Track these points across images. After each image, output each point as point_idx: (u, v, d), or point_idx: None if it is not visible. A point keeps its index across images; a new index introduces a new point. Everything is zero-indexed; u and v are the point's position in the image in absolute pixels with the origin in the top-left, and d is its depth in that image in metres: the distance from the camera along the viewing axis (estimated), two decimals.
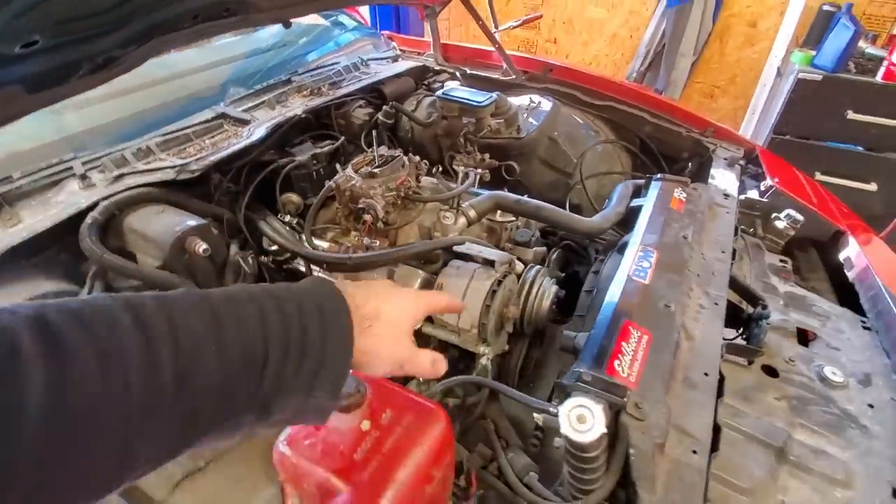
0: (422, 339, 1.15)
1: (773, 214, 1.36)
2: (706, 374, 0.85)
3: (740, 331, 1.07)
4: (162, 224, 1.00)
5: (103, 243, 1.00)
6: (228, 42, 1.99)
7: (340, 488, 0.61)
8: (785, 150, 2.66)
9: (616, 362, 0.79)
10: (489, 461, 0.99)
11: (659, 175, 1.38)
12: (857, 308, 1.15)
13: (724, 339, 1.00)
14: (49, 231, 0.95)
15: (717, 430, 0.77)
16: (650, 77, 3.26)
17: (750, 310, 1.06)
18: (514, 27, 1.99)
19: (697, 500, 0.67)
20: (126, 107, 1.37)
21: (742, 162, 1.59)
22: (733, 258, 1.18)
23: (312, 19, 2.23)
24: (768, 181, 1.43)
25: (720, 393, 0.83)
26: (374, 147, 1.28)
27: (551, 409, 0.75)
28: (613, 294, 0.96)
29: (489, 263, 1.06)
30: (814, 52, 2.58)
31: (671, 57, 3.01)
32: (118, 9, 0.71)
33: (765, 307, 1.01)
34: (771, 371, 0.95)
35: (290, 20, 1.17)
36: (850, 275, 1.22)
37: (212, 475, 0.66)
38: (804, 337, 1.06)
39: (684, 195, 1.29)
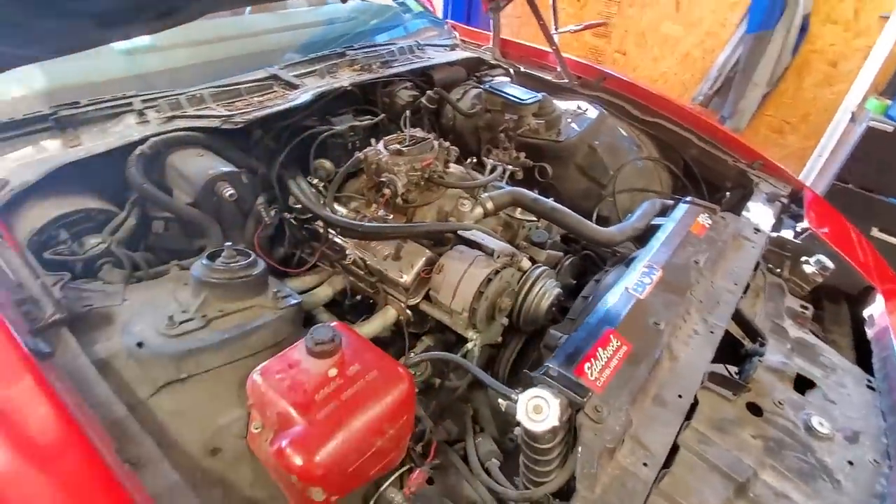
0: (418, 314, 1.19)
1: (803, 258, 1.30)
2: (679, 396, 0.84)
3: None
4: (198, 166, 1.10)
5: (148, 176, 1.10)
6: (300, 11, 2.10)
7: (297, 421, 0.66)
8: (845, 199, 2.50)
9: (587, 365, 0.80)
10: (456, 441, 1.03)
11: (689, 198, 1.36)
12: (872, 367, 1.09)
13: (724, 369, 0.98)
14: (103, 155, 1.06)
15: (674, 449, 0.77)
16: (717, 102, 3.12)
17: (750, 346, 1.03)
18: (576, 31, 1.98)
19: None
20: (194, 56, 1.49)
21: (784, 200, 1.52)
22: (745, 292, 1.15)
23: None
24: (804, 223, 1.36)
25: (689, 416, 0.83)
26: (407, 127, 1.33)
27: (513, 395, 0.77)
28: (605, 302, 0.96)
29: (491, 253, 1.08)
30: (889, 102, 2.39)
31: (742, 85, 2.87)
32: None
33: (762, 345, 0.98)
34: (755, 409, 0.93)
35: None
36: (870, 332, 1.15)
37: (191, 387, 0.73)
38: (804, 385, 1.02)
39: (709, 221, 1.26)
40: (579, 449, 0.71)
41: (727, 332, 1.07)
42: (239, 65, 1.50)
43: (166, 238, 1.11)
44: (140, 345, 0.75)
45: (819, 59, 2.84)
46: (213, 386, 0.74)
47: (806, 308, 1.25)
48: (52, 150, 1.08)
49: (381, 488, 0.80)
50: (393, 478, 0.82)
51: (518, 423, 0.74)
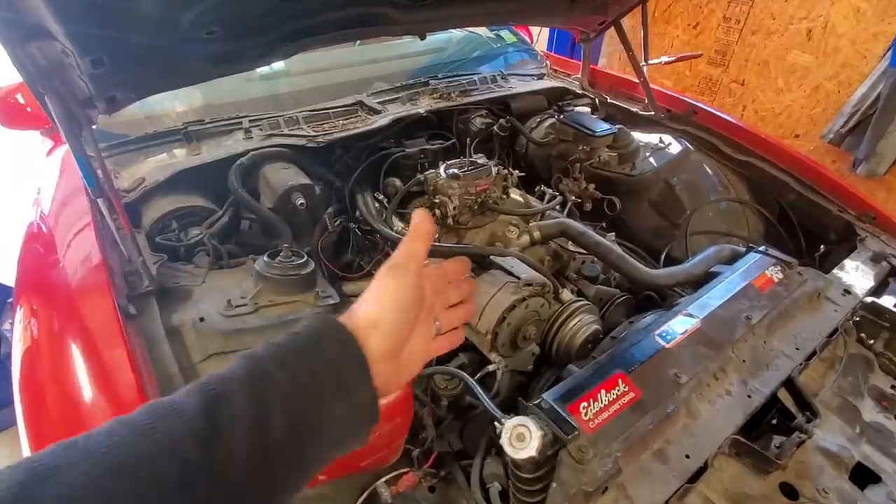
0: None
1: None
2: (687, 457, 0.79)
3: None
4: (281, 177, 1.29)
5: (245, 183, 1.32)
6: (395, 43, 2.28)
7: None
8: None
9: (583, 404, 0.79)
10: (465, 458, 1.06)
11: (763, 247, 1.24)
12: None
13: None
14: (213, 164, 1.31)
15: None
16: (850, 141, 2.70)
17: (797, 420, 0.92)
18: (667, 63, 1.90)
19: None
20: (300, 83, 1.75)
21: None
22: (810, 359, 1.02)
23: (481, 30, 2.43)
24: None
25: (694, 480, 0.77)
26: (468, 153, 1.41)
27: (503, 419, 0.80)
28: (628, 345, 0.93)
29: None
30: None
31: (882, 124, 2.45)
32: (274, 16, 0.96)
33: (809, 420, 0.87)
34: (790, 491, 0.83)
35: (426, 33, 1.36)
36: None
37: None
38: (866, 478, 0.88)
39: (779, 276, 1.14)
40: (554, 485, 0.71)
41: (780, 402, 0.97)
42: (338, 92, 1.71)
43: (250, 235, 1.31)
44: (202, 319, 0.92)
45: None
46: None
47: None
48: (179, 157, 1.35)
49: (375, 483, 0.87)
50: (388, 476, 0.89)
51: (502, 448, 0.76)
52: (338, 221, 1.37)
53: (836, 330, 1.09)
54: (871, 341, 1.15)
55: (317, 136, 1.41)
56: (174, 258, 1.14)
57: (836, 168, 2.92)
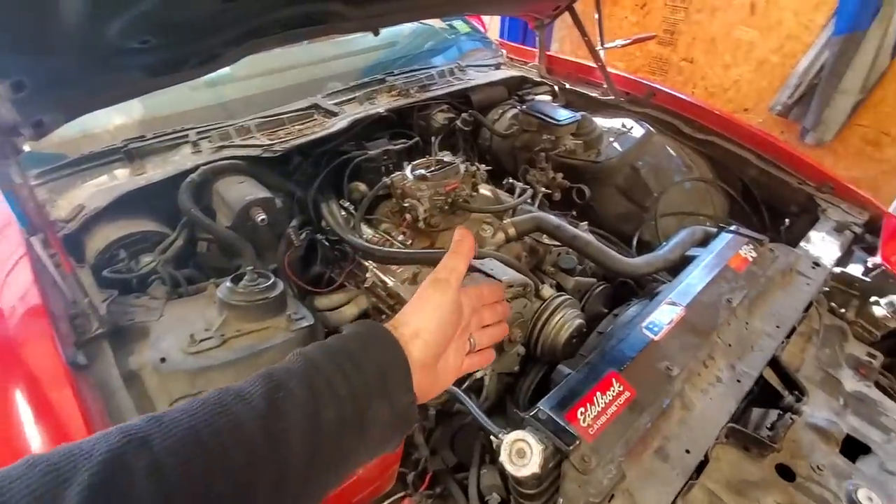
0: None
1: (873, 298, 1.15)
2: (687, 451, 0.78)
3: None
4: (238, 192, 1.20)
5: (197, 200, 1.22)
6: (347, 39, 2.18)
7: None
8: None
9: (581, 410, 0.77)
10: (460, 469, 1.03)
11: (733, 227, 1.25)
12: None
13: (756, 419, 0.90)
14: (160, 183, 1.20)
15: None
16: (797, 111, 2.81)
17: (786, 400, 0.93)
18: (623, 46, 1.90)
19: None
20: (249, 88, 1.64)
21: (858, 229, 1.35)
22: (790, 336, 1.03)
23: (432, 21, 2.35)
24: (877, 258, 1.20)
25: (697, 475, 0.76)
26: (434, 152, 1.35)
27: (500, 434, 0.76)
28: (616, 341, 0.92)
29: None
30: None
31: (828, 92, 2.56)
32: (216, 19, 0.87)
33: (798, 399, 0.88)
34: (787, 473, 0.84)
35: (379, 28, 1.29)
36: None
37: None
38: (856, 450, 0.90)
39: (753, 254, 1.15)
40: (560, 500, 0.69)
41: (766, 382, 0.98)
42: (290, 94, 1.62)
43: (209, 257, 1.22)
44: (163, 360, 0.83)
45: None
46: None
47: (873, 357, 1.09)
48: (121, 178, 1.23)
49: None
50: None
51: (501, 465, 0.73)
52: (303, 234, 1.29)
53: (811, 304, 1.11)
54: (843, 310, 1.19)
55: (272, 144, 1.32)
56: (126, 291, 1.05)
57: (784, 139, 3.04)
